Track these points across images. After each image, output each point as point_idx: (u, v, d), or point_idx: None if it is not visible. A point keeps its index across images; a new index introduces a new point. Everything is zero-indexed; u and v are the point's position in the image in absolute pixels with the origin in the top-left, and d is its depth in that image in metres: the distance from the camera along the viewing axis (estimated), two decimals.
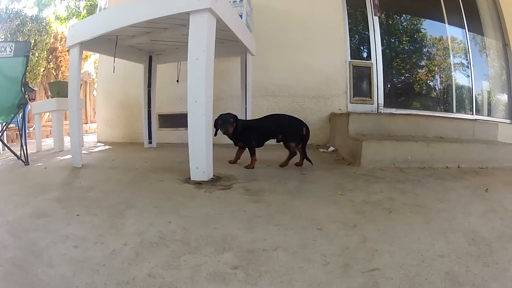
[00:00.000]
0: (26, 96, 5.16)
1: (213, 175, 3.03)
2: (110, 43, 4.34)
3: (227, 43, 3.03)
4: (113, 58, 4.49)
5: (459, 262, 1.41)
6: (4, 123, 5.09)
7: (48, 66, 11.91)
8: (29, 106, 6.14)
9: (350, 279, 1.30)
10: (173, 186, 2.80)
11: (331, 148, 4.93)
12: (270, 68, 5.74)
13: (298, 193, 2.67)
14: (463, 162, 3.71)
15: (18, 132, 7.27)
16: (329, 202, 2.35)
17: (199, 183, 2.82)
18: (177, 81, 5.40)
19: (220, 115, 3.63)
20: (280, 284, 1.27)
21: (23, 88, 4.96)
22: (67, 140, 5.95)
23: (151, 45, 5.03)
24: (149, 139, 5.56)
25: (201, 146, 2.85)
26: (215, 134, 3.49)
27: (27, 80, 5.14)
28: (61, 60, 12.35)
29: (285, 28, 5.82)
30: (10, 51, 4.92)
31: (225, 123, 3.54)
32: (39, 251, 1.52)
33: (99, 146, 6.38)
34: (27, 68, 5.22)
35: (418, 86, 6.53)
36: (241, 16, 4.64)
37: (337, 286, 1.26)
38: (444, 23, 6.31)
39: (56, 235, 1.75)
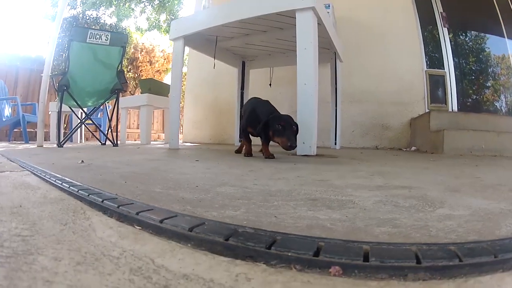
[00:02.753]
0: None
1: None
2: (209, 43, 4.74)
3: (319, 50, 3.31)
4: (208, 59, 4.88)
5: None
6: (94, 107, 5.53)
7: (128, 75, 12.40)
8: (110, 106, 6.56)
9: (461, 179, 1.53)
10: (279, 157, 3.09)
11: (413, 148, 5.20)
12: (354, 76, 6.02)
13: (394, 162, 3.00)
14: None
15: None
16: (420, 167, 2.62)
17: (306, 156, 3.12)
18: (270, 84, 5.77)
19: (276, 117, 2.93)
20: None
21: (118, 76, 5.34)
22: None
23: (245, 50, 5.41)
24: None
25: (309, 123, 3.15)
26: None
27: (123, 69, 5.48)
28: (141, 70, 12.89)
29: (365, 39, 6.12)
30: (106, 39, 5.35)
31: (290, 130, 2.83)
32: (166, 168, 2.11)
33: (187, 144, 6.66)
34: (123, 58, 5.60)
35: (488, 93, 6.71)
36: None
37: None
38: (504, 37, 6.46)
39: (173, 165, 2.38)
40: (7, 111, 7.70)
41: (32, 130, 7.74)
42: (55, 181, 1.39)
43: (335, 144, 5.18)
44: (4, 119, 7.49)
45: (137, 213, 0.87)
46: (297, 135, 2.91)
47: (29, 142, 6.97)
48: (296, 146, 2.74)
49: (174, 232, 0.75)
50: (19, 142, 7.54)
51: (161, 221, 0.80)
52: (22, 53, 10.61)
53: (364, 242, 0.68)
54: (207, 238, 0.70)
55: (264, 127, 2.86)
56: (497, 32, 6.49)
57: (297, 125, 2.90)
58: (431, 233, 0.79)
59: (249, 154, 3.16)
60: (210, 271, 0.58)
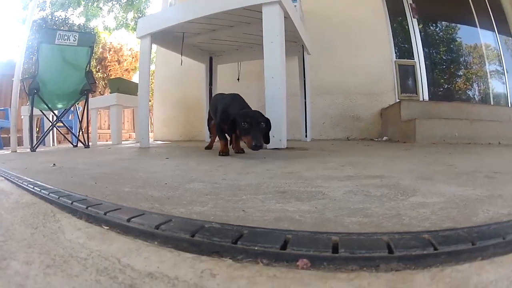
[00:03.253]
0: None
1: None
2: (176, 40, 4.70)
3: (286, 43, 3.30)
4: (174, 55, 4.88)
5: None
6: (64, 109, 5.45)
7: (97, 75, 12.28)
8: (80, 107, 6.47)
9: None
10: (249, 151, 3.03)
11: (385, 138, 5.24)
12: (322, 69, 6.02)
13: (365, 152, 3.05)
14: (503, 139, 4.08)
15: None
16: (392, 156, 2.63)
17: (276, 149, 3.11)
18: (238, 79, 5.77)
19: (242, 113, 2.63)
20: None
21: (87, 77, 5.27)
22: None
23: (212, 45, 5.37)
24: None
25: (277, 117, 3.12)
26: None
27: (91, 69, 5.44)
28: (110, 70, 12.82)
29: (333, 31, 6.15)
30: (74, 40, 5.26)
31: (257, 128, 2.55)
32: (136, 168, 2.14)
33: (157, 142, 6.63)
34: (91, 58, 5.55)
35: (460, 82, 6.86)
36: None
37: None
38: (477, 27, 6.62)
39: (143, 164, 2.44)
40: None
41: (6, 135, 7.61)
42: (27, 185, 1.40)
43: (306, 136, 5.18)
44: None
45: (105, 213, 0.87)
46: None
47: (3, 148, 6.87)
48: (261, 146, 2.46)
49: (140, 230, 0.75)
50: None
51: (128, 220, 0.80)
52: None
53: (334, 233, 0.67)
54: (173, 235, 0.70)
55: (232, 125, 2.64)
56: (470, 22, 6.63)
57: (267, 121, 2.67)
58: (403, 222, 0.78)
59: (225, 153, 2.77)
60: (175, 268, 0.57)
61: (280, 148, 3.10)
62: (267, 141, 2.71)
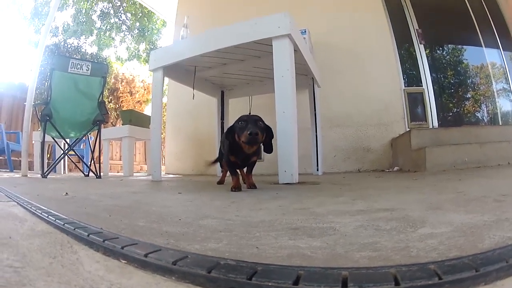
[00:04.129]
0: None
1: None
2: (188, 74, 4.79)
3: (296, 76, 3.33)
4: (187, 88, 4.92)
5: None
6: (76, 138, 5.51)
7: (109, 106, 12.45)
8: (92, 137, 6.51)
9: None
10: (261, 186, 3.10)
11: (396, 168, 5.23)
12: (332, 100, 6.05)
13: (376, 184, 3.05)
14: None
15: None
16: (402, 186, 2.64)
17: (288, 184, 3.09)
18: (249, 113, 5.78)
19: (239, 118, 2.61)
20: None
21: (99, 107, 5.35)
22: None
23: (223, 79, 5.45)
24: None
25: (289, 151, 3.13)
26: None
27: (104, 99, 5.49)
28: (122, 101, 12.93)
29: (341, 62, 6.19)
30: (87, 70, 5.39)
31: (254, 124, 2.49)
32: (148, 201, 2.15)
33: (169, 175, 6.64)
34: (104, 89, 5.64)
35: (468, 104, 6.84)
36: None
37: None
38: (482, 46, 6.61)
39: (156, 198, 2.43)
40: None
41: (16, 158, 7.76)
42: (41, 213, 1.41)
43: (317, 170, 5.16)
44: None
45: (122, 247, 0.88)
46: (279, 159, 2.95)
47: (13, 170, 6.96)
48: (257, 135, 2.36)
49: (158, 265, 0.76)
50: (3, 170, 7.64)
51: (145, 255, 0.81)
52: (5, 80, 10.70)
53: (344, 268, 0.69)
54: (190, 271, 0.71)
55: (230, 133, 2.54)
56: (474, 42, 6.61)
57: (268, 128, 2.62)
58: (411, 254, 0.80)
59: (237, 188, 2.62)
60: None
61: (292, 183, 3.08)
62: (269, 150, 2.66)
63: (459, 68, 6.86)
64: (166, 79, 5.03)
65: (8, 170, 7.19)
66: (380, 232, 1.06)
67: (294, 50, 3.46)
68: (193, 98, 4.73)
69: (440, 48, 6.94)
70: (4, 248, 0.89)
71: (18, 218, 1.38)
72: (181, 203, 2.00)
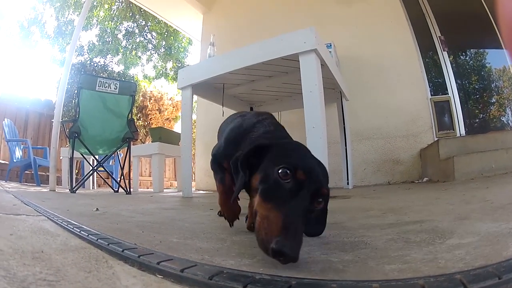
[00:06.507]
0: None
1: None
2: (217, 91, 4.86)
3: (324, 90, 3.33)
4: (216, 105, 4.97)
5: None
6: (105, 155, 5.60)
7: (138, 123, 12.51)
8: (121, 154, 6.59)
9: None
10: None
11: (425, 179, 5.16)
12: (360, 113, 6.03)
13: (406, 196, 3.06)
14: None
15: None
16: (432, 198, 2.65)
17: None
18: None
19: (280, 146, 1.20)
20: None
21: (128, 125, 5.42)
22: None
23: (252, 96, 5.51)
24: None
25: None
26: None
27: (133, 117, 5.59)
28: (151, 118, 13.05)
29: (368, 74, 6.17)
30: (115, 88, 5.46)
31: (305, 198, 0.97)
32: (181, 218, 2.16)
33: (199, 191, 6.68)
34: (133, 107, 5.71)
35: (493, 109, 6.72)
36: None
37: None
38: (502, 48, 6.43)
39: (187, 214, 2.45)
40: (18, 153, 7.94)
41: (43, 173, 7.93)
42: (73, 228, 1.44)
43: (348, 184, 5.14)
44: (14, 160, 7.75)
45: (158, 263, 0.91)
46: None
47: (40, 185, 7.13)
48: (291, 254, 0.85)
49: (195, 280, 0.80)
50: (30, 184, 7.73)
51: (181, 271, 0.84)
52: (31, 96, 10.97)
53: (374, 281, 0.73)
54: (227, 286, 0.75)
55: (246, 160, 1.13)
56: (495, 44, 6.42)
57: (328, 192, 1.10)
58: (439, 265, 0.83)
59: None
60: None
61: None
62: (319, 229, 1.22)
63: (482, 73, 6.76)
64: (195, 97, 5.11)
65: (35, 184, 7.32)
66: (409, 244, 1.09)
67: (321, 64, 3.49)
68: (223, 115, 4.69)
69: (463, 54, 6.85)
70: (37, 262, 0.90)
71: (49, 232, 1.38)
72: (213, 219, 2.04)
